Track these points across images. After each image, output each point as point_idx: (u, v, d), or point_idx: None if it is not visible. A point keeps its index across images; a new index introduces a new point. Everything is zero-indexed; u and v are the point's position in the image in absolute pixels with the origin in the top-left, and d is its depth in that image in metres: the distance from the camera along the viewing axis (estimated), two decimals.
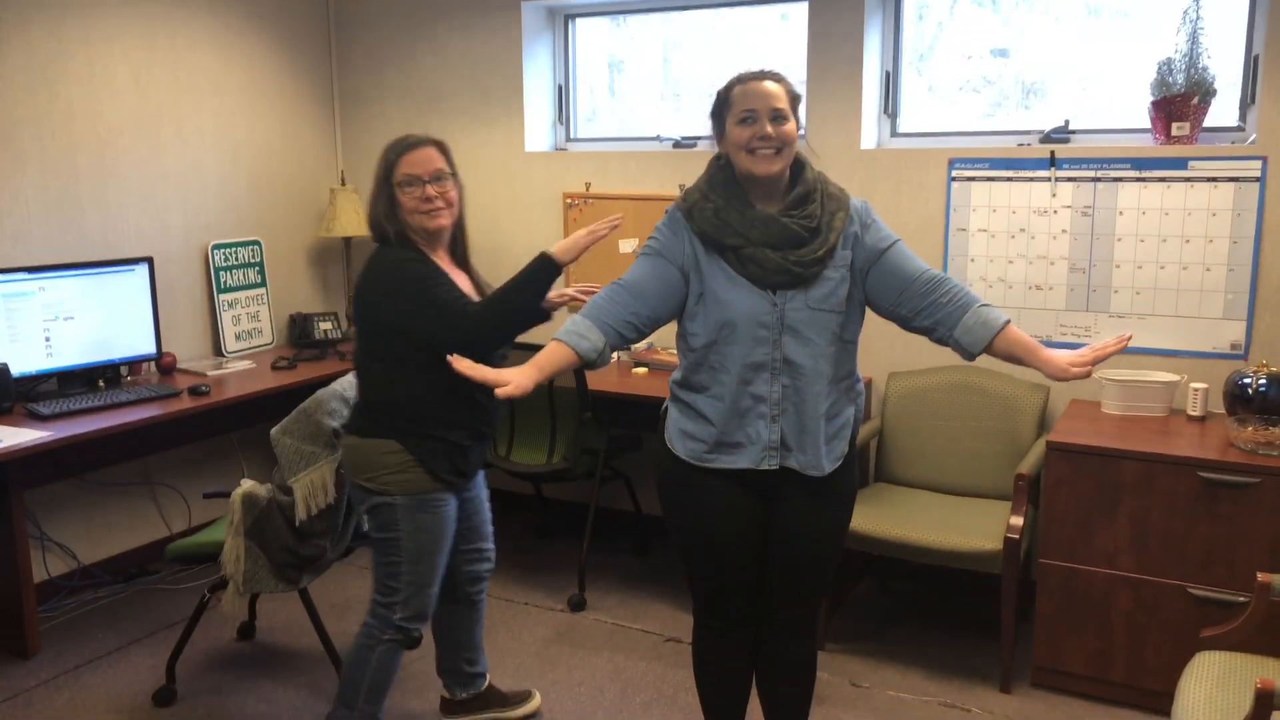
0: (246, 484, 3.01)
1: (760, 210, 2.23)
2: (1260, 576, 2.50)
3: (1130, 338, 2.22)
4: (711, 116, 2.30)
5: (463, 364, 2.11)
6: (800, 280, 2.21)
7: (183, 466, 4.30)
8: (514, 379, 2.10)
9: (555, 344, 2.21)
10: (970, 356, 2.26)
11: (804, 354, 2.23)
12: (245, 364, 4.24)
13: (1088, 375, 2.15)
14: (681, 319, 2.32)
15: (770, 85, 2.21)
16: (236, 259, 4.46)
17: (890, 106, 3.93)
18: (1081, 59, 3.71)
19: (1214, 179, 3.34)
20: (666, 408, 2.42)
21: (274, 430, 2.97)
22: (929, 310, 2.25)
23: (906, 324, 2.31)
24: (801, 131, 2.27)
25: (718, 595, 2.44)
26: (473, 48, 4.56)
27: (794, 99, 2.24)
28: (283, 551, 2.98)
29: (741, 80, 2.24)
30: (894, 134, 3.96)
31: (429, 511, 2.59)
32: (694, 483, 2.33)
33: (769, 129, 2.18)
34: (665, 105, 4.52)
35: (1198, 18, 3.34)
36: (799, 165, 2.28)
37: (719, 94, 2.27)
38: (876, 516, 3.35)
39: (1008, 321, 2.22)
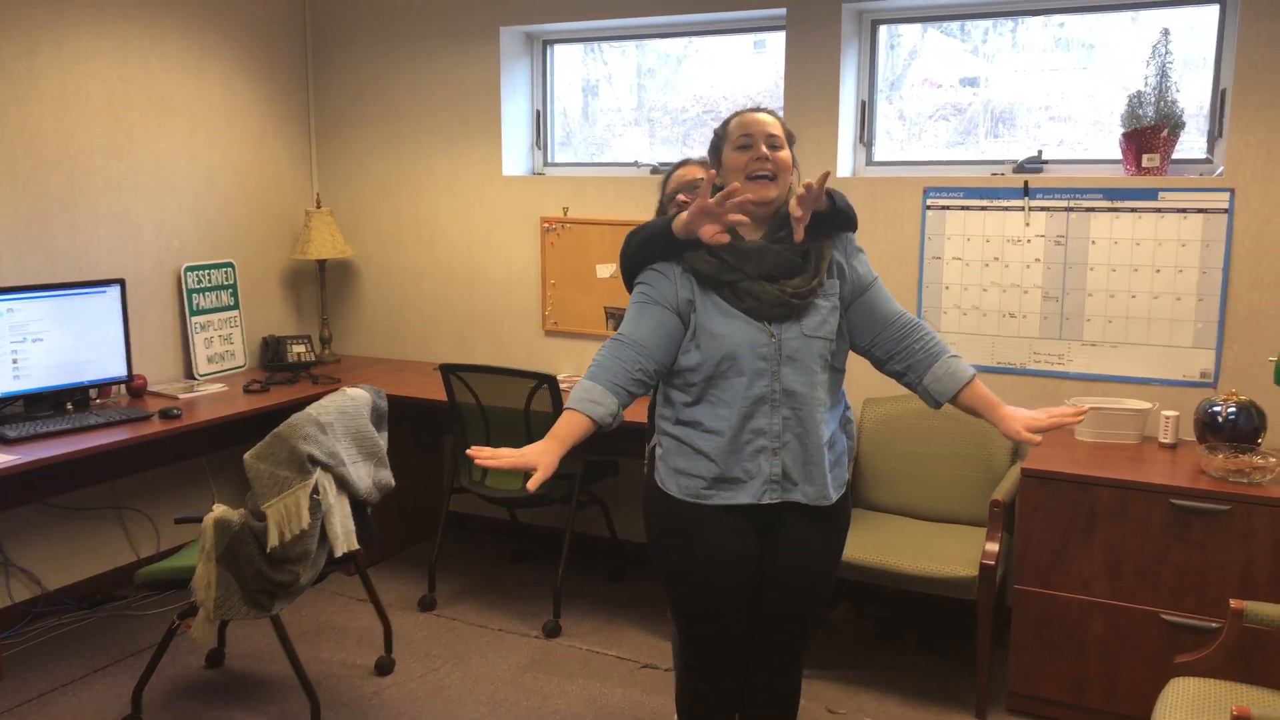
0: (219, 509, 2.97)
1: (750, 241, 2.24)
2: (1233, 603, 2.52)
3: (1087, 411, 2.24)
4: (710, 153, 2.33)
5: (482, 453, 2.07)
6: (796, 311, 2.22)
7: (152, 490, 4.24)
8: (539, 461, 2.08)
9: (570, 414, 2.18)
10: (936, 405, 2.31)
11: (802, 383, 2.23)
12: (217, 387, 4.20)
13: (1038, 443, 2.22)
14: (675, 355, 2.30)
15: (765, 116, 2.26)
16: (209, 281, 4.42)
17: (866, 135, 3.97)
18: (1050, 90, 3.77)
19: (1183, 210, 3.40)
20: (653, 448, 2.39)
21: (247, 455, 2.93)
22: (902, 355, 2.30)
23: (879, 365, 2.35)
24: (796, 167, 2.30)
25: (710, 638, 2.38)
26: (451, 72, 4.57)
27: (788, 133, 2.28)
28: (255, 578, 2.94)
29: (738, 113, 2.28)
30: (869, 162, 4.00)
31: None
32: (690, 520, 2.29)
33: (765, 152, 2.21)
34: (638, 130, 4.54)
35: (1166, 52, 3.41)
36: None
37: (716, 130, 2.31)
38: (853, 542, 3.34)
39: (974, 376, 2.27)
